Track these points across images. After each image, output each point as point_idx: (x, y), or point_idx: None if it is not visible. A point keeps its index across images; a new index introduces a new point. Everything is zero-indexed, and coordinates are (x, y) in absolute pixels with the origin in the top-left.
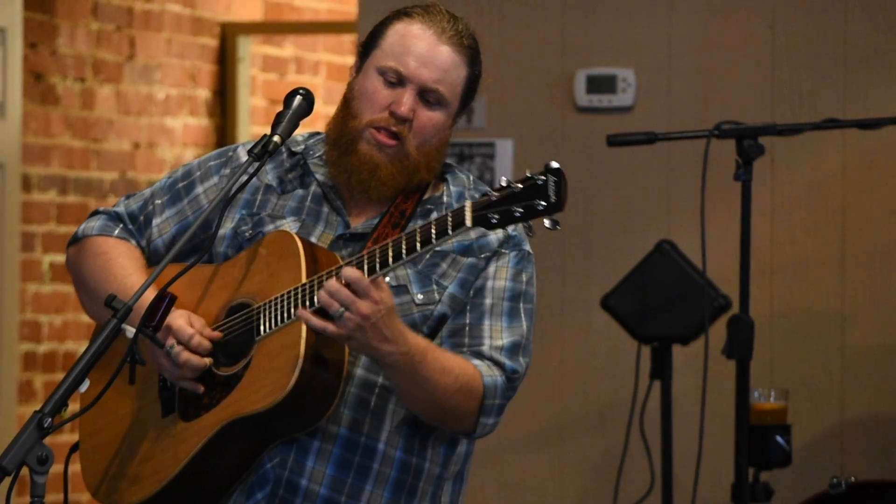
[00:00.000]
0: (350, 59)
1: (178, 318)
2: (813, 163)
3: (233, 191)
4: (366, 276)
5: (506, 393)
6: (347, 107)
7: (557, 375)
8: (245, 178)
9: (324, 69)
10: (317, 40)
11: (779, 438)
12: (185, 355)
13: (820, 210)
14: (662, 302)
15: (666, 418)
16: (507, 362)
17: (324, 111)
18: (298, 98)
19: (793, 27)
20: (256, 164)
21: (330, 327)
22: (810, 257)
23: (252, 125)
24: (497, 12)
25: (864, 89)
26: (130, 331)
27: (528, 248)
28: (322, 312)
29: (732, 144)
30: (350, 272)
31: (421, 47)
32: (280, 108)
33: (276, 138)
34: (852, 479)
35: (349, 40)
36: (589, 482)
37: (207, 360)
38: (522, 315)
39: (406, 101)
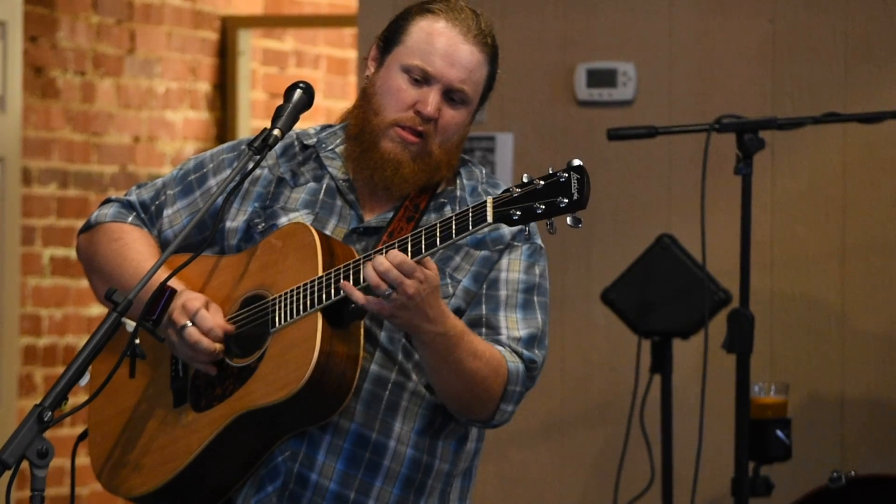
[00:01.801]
0: (351, 53)
1: (196, 301)
2: (813, 157)
3: (232, 184)
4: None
5: (525, 382)
6: (369, 102)
7: (558, 369)
8: (251, 165)
9: (324, 63)
10: (317, 34)
11: (779, 432)
12: (196, 335)
13: (820, 204)
14: (663, 296)
15: (666, 412)
16: (526, 352)
17: (324, 105)
18: (299, 92)
19: (793, 21)
20: (256, 158)
21: (373, 304)
22: (811, 251)
23: (252, 119)
24: (498, 5)
25: (865, 83)
26: (130, 325)
27: (539, 241)
28: (364, 291)
29: (733, 138)
30: (395, 254)
31: (447, 46)
32: (280, 101)
33: (275, 132)
34: (852, 473)
35: (349, 34)
36: (589, 476)
37: (218, 346)
38: (537, 307)
39: (432, 100)
